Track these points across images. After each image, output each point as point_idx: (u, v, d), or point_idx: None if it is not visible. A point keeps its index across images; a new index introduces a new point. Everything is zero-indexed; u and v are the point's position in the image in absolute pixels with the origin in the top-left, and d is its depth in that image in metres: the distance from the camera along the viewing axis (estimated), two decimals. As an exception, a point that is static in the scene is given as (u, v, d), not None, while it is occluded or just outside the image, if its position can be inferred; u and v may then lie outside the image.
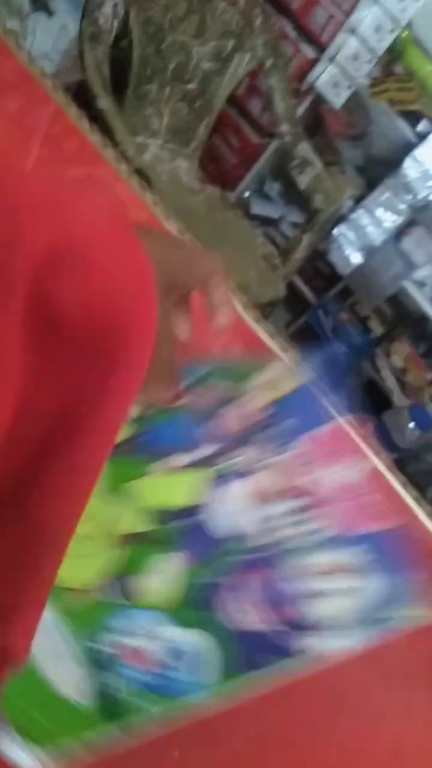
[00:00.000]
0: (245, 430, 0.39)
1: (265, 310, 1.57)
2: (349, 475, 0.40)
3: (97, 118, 1.25)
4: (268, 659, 0.34)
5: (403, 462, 1.99)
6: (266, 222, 2.09)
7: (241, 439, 0.39)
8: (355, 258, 1.82)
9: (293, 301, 2.05)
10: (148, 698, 0.33)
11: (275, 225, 2.07)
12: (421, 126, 1.69)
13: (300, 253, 1.54)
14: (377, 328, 1.97)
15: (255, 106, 1.90)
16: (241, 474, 0.38)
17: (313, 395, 0.42)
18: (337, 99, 1.75)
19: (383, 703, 0.48)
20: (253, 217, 2.07)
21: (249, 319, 0.70)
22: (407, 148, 1.74)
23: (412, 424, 1.78)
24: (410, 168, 1.67)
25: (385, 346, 1.95)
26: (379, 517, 0.38)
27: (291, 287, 1.90)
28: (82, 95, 1.42)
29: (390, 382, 1.94)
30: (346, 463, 0.40)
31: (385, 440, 1.84)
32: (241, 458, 0.38)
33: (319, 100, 1.81)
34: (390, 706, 0.48)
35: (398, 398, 1.93)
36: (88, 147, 0.76)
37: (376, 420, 1.88)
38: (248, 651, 0.34)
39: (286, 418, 0.40)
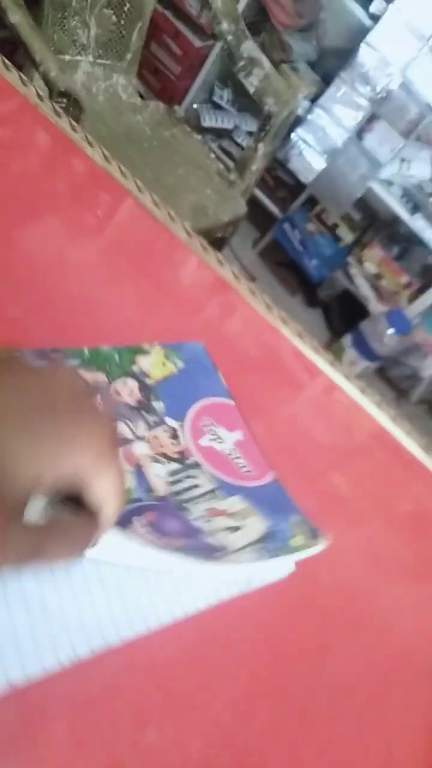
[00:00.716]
0: (128, 405, 0.42)
1: (227, 230, 1.49)
2: (227, 441, 0.44)
3: (6, 38, 1.13)
4: None
5: (385, 369, 1.97)
6: (220, 134, 1.96)
7: (126, 413, 0.41)
8: (318, 163, 1.72)
9: (257, 216, 1.95)
10: None
11: (230, 136, 1.95)
12: (374, 6, 1.55)
13: (257, 164, 1.44)
14: (347, 236, 1.89)
15: (192, 4, 1.74)
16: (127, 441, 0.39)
17: (192, 378, 0.46)
18: (281, -14, 1.60)
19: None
20: (206, 131, 1.94)
21: (210, 256, 0.63)
22: (362, 34, 1.60)
23: (390, 331, 1.74)
24: (366, 56, 1.55)
25: (357, 254, 1.88)
26: (253, 477, 0.43)
27: (253, 202, 1.80)
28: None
29: (365, 290, 1.88)
30: (223, 431, 0.45)
31: (365, 350, 1.80)
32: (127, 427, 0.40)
33: (260, -10, 1.66)
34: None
35: (374, 305, 1.88)
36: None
37: (354, 330, 1.84)
38: None
39: (167, 396, 0.43)
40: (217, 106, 1.94)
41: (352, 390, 0.62)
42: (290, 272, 2.05)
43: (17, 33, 1.06)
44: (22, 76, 0.69)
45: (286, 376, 0.60)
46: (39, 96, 0.67)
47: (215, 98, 1.93)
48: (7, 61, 0.67)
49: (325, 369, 0.62)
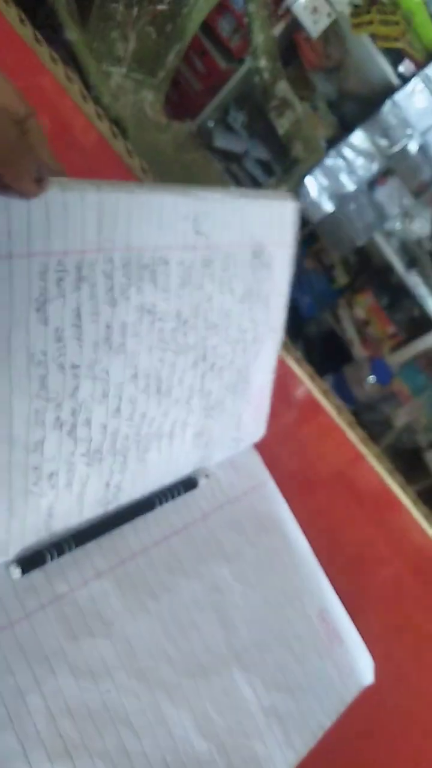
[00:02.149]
0: None
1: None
2: None
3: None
4: None
5: (358, 413, 2.03)
6: (228, 156, 1.96)
7: None
8: (326, 205, 1.74)
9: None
10: None
11: (238, 161, 1.94)
12: (403, 67, 1.58)
13: (275, 206, 1.45)
14: (342, 278, 1.93)
15: (225, 27, 1.72)
16: None
17: None
18: (315, 27, 1.60)
19: None
20: (215, 150, 1.93)
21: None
22: (385, 88, 1.64)
23: (372, 378, 1.80)
24: (389, 113, 1.58)
25: (349, 297, 1.92)
26: None
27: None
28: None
29: (351, 333, 1.93)
30: None
31: (345, 393, 1.85)
32: None
33: (294, 27, 1.65)
34: None
35: (357, 350, 1.93)
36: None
37: (336, 373, 1.88)
38: None
39: None
40: (230, 128, 1.93)
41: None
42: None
43: (72, 50, 1.02)
44: (84, 91, 0.67)
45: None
46: (98, 116, 0.66)
47: (229, 119, 1.92)
48: (71, 73, 0.65)
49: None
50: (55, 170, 0.28)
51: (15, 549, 0.34)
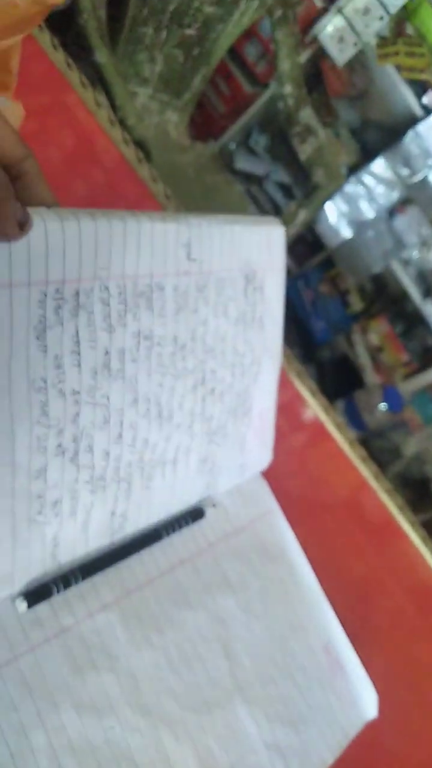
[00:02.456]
0: None
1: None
2: None
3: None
4: None
5: (368, 440, 2.01)
6: (249, 178, 1.97)
7: None
8: (345, 231, 1.75)
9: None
10: None
11: (259, 183, 1.96)
12: (427, 98, 1.59)
13: (294, 230, 1.45)
14: (357, 304, 1.93)
15: (251, 51, 1.74)
16: None
17: None
18: (341, 56, 1.62)
19: None
20: (236, 172, 1.95)
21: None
22: (408, 118, 1.65)
23: (383, 406, 1.79)
24: (411, 143, 1.59)
25: (363, 323, 1.92)
26: None
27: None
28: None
29: (364, 360, 1.92)
30: None
31: (355, 419, 1.84)
32: None
33: (320, 55, 1.67)
34: None
35: (370, 376, 1.93)
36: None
37: (348, 398, 1.88)
38: None
39: None
40: (252, 151, 1.95)
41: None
42: (291, 324, 2.08)
43: (101, 73, 1.03)
44: (111, 116, 0.68)
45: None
46: (125, 141, 0.67)
47: (252, 142, 1.93)
48: (100, 98, 0.66)
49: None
50: (52, 204, 0.30)
51: (20, 580, 0.33)
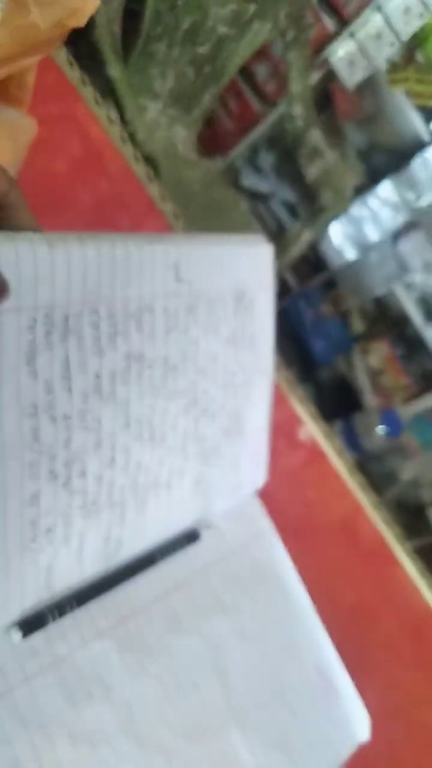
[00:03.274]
0: None
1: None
2: None
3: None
4: None
5: (364, 463, 2.01)
6: (254, 196, 1.98)
7: None
8: (349, 253, 1.75)
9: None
10: None
11: (264, 201, 1.96)
12: (435, 124, 1.61)
13: (298, 249, 1.46)
14: (358, 325, 1.93)
15: (261, 71, 1.75)
16: None
17: None
18: (351, 79, 1.63)
19: None
20: (242, 189, 1.96)
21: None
22: (416, 143, 1.66)
23: (381, 429, 1.78)
24: (418, 168, 1.60)
25: (364, 345, 1.92)
26: None
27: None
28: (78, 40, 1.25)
29: (363, 382, 1.92)
30: None
31: (352, 442, 1.84)
32: None
33: (330, 77, 1.69)
34: None
35: (369, 398, 1.92)
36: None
37: (346, 420, 1.87)
38: None
39: None
40: (258, 169, 1.96)
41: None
42: (291, 343, 2.08)
43: (113, 86, 1.04)
44: (123, 133, 0.68)
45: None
46: (135, 158, 0.67)
47: (258, 160, 1.94)
48: (112, 114, 0.66)
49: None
50: (5, 185, 0.30)
51: (14, 610, 0.33)
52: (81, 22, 0.32)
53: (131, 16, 1.23)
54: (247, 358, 0.45)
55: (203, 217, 1.45)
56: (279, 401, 0.61)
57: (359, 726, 0.45)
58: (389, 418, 1.76)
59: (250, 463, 0.48)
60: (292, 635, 0.45)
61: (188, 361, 0.39)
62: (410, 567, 0.63)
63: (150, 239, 0.35)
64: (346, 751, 0.44)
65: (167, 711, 0.36)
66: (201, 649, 0.40)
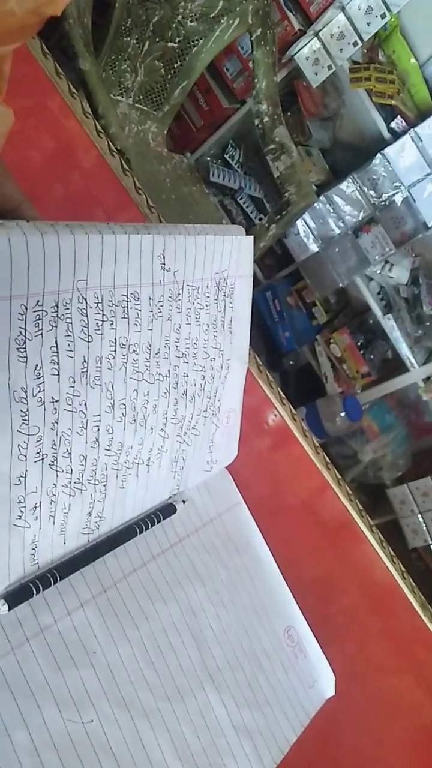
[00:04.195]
0: None
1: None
2: None
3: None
4: None
5: (327, 445, 2.07)
6: (223, 191, 2.01)
7: None
8: (312, 246, 1.81)
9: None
10: None
11: (233, 196, 2.00)
12: (395, 123, 1.66)
13: (266, 243, 1.50)
14: (321, 316, 1.99)
15: (230, 68, 1.79)
16: None
17: None
18: (316, 77, 1.68)
19: None
20: (211, 184, 1.99)
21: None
22: (377, 141, 1.71)
23: (343, 414, 1.84)
24: (379, 166, 1.65)
25: (326, 335, 1.98)
26: None
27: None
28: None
29: (326, 369, 1.98)
30: None
31: (316, 426, 1.89)
32: None
33: (296, 75, 1.73)
34: None
35: (331, 385, 1.99)
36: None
37: (310, 406, 1.93)
38: None
39: None
40: (227, 164, 1.99)
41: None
42: (260, 333, 2.13)
43: (84, 79, 1.06)
44: (98, 126, 0.70)
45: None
46: (111, 152, 0.68)
47: (227, 156, 1.98)
48: (87, 107, 0.68)
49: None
50: (21, 199, 0.31)
51: (1, 583, 0.34)
52: (57, 11, 0.32)
53: (102, 8, 1.24)
54: (225, 343, 0.46)
55: (174, 210, 1.47)
56: (250, 387, 0.63)
57: (326, 683, 0.49)
58: (350, 403, 1.82)
59: (224, 441, 0.50)
60: (262, 599, 0.48)
61: (170, 347, 0.41)
62: (374, 542, 0.67)
63: (137, 229, 0.35)
64: (315, 707, 0.47)
65: (147, 674, 0.39)
66: (178, 614, 0.42)
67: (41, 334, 0.31)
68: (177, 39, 1.40)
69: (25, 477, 0.33)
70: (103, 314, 0.35)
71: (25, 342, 0.31)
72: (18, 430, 0.32)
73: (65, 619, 0.36)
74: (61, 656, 0.35)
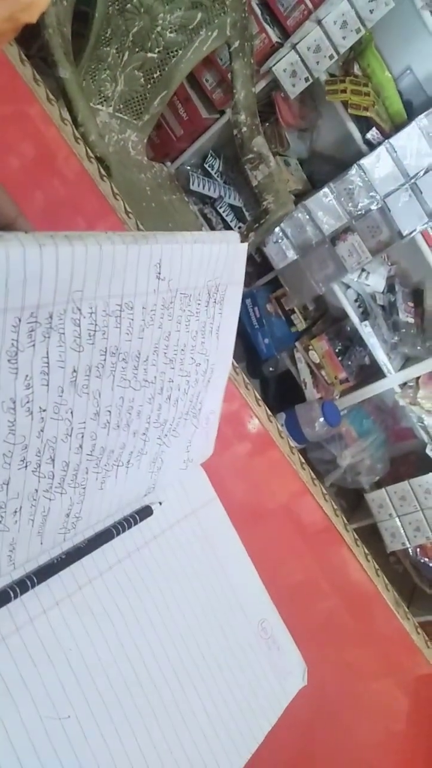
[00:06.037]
0: None
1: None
2: None
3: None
4: None
5: (307, 450, 2.09)
6: (203, 200, 2.03)
7: None
8: (291, 254, 1.83)
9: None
10: None
11: (212, 204, 2.02)
12: (371, 134, 1.70)
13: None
14: (300, 323, 2.02)
15: (209, 79, 1.81)
16: None
17: None
18: (293, 89, 1.71)
19: None
20: (191, 193, 2.01)
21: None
22: (353, 152, 1.75)
23: (321, 419, 1.87)
24: (356, 176, 1.69)
25: (305, 341, 2.01)
26: None
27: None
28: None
29: (305, 375, 2.01)
30: None
31: (295, 431, 1.91)
32: None
33: (274, 86, 1.76)
34: None
35: (310, 391, 2.01)
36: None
37: (289, 411, 1.95)
38: None
39: None
40: (207, 173, 2.01)
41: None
42: (240, 340, 2.15)
43: (64, 88, 1.07)
44: (76, 132, 0.71)
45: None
46: (89, 158, 0.69)
47: (206, 165, 2.00)
48: (65, 114, 0.68)
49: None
50: (15, 214, 0.31)
51: None
52: (33, 18, 0.31)
53: (82, 18, 1.25)
54: (212, 348, 0.46)
55: (154, 218, 1.49)
56: (230, 393, 0.64)
57: (298, 673, 0.50)
58: (328, 408, 1.84)
59: (201, 440, 0.51)
60: (236, 594, 0.49)
61: (159, 354, 0.40)
62: (353, 545, 0.68)
63: (135, 238, 0.35)
64: (288, 697, 0.48)
65: (124, 670, 0.39)
66: (153, 610, 0.42)
67: (33, 345, 0.31)
68: (156, 49, 1.42)
69: (8, 484, 0.33)
70: (96, 324, 0.34)
71: (16, 353, 0.30)
72: (4, 440, 0.32)
73: (41, 618, 0.37)
74: (36, 654, 0.36)
